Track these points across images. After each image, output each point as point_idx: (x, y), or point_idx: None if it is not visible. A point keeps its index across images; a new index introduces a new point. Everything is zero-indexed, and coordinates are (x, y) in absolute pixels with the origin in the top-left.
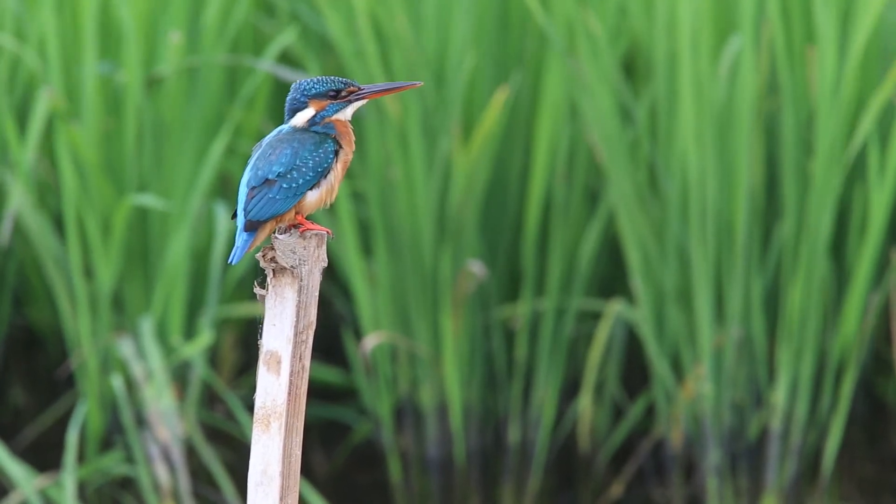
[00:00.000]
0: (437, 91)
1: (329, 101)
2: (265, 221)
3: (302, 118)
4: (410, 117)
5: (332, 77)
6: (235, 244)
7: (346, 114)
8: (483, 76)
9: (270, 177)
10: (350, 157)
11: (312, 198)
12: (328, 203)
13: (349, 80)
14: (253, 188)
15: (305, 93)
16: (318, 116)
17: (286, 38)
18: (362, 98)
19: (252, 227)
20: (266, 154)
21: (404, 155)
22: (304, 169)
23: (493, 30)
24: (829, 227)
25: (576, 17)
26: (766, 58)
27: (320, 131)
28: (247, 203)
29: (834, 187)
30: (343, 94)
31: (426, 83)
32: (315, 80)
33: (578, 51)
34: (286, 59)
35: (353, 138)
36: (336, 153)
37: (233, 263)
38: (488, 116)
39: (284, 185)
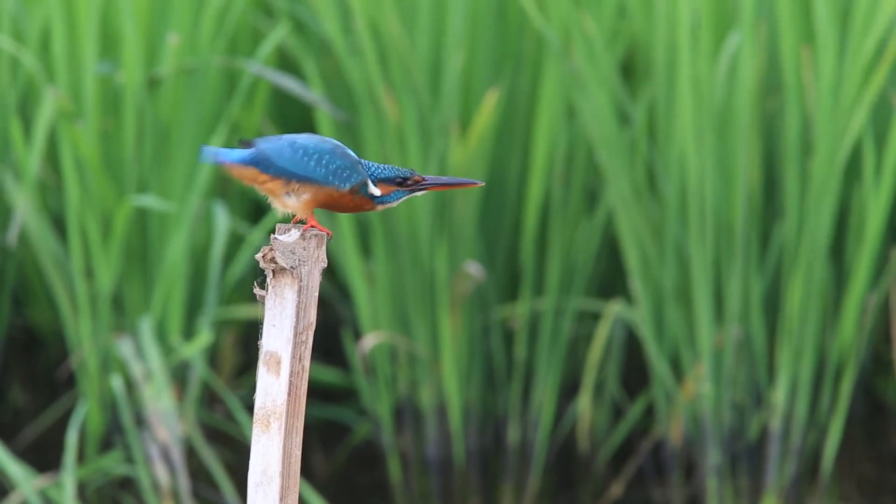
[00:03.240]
0: (432, 92)
1: (395, 188)
2: (276, 166)
3: (371, 191)
4: (407, 118)
5: (396, 167)
6: (220, 151)
7: (401, 200)
8: (480, 77)
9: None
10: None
11: (306, 197)
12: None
13: (412, 171)
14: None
15: (373, 176)
16: (383, 198)
17: (278, 33)
18: (424, 189)
19: (261, 154)
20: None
21: (401, 155)
22: (334, 163)
23: (490, 30)
24: (828, 227)
25: (571, 18)
26: (763, 56)
27: (378, 200)
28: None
29: (833, 187)
30: (409, 182)
31: (421, 84)
32: (382, 166)
33: (575, 52)
34: (284, 60)
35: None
36: (359, 188)
37: (204, 159)
38: (482, 116)
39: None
